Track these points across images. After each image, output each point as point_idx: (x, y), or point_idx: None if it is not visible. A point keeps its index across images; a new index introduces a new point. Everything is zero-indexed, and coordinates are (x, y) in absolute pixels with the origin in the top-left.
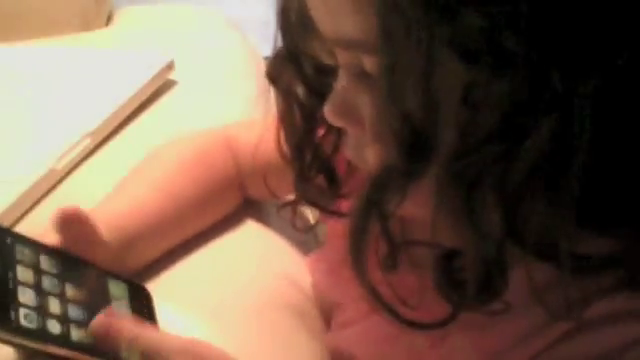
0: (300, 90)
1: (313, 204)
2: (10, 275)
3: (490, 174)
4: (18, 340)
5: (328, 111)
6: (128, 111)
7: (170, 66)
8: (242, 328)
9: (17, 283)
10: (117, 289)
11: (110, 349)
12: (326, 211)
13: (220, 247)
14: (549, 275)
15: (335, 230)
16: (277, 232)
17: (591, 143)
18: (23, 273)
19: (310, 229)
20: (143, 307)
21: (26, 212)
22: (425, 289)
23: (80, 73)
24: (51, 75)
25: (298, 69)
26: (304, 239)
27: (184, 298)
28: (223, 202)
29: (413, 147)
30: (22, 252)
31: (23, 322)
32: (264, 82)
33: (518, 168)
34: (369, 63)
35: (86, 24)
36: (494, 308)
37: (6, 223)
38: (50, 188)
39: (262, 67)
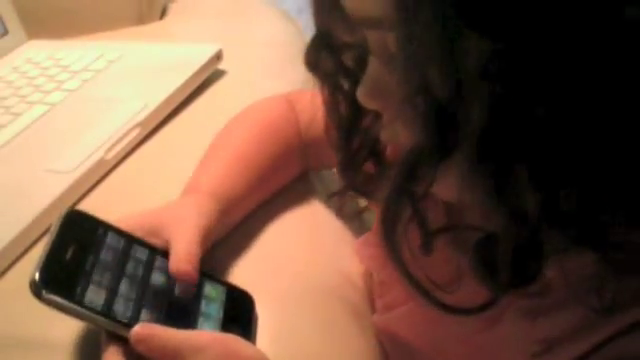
0: (340, 77)
1: (360, 191)
2: (90, 258)
3: (521, 153)
4: (81, 313)
5: (361, 94)
6: (177, 101)
7: (218, 56)
8: (285, 312)
9: (96, 264)
10: (213, 291)
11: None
12: (373, 197)
13: (269, 232)
14: (594, 268)
15: None
16: (324, 216)
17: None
18: (107, 257)
19: (358, 215)
20: (238, 312)
21: (76, 203)
22: (464, 274)
23: (129, 67)
24: (102, 69)
25: (334, 55)
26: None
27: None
28: (291, 167)
29: (440, 126)
30: (115, 239)
31: (89, 297)
32: None
33: (549, 146)
34: (392, 41)
35: (140, 18)
36: (536, 291)
37: (57, 214)
38: (100, 178)
39: None
